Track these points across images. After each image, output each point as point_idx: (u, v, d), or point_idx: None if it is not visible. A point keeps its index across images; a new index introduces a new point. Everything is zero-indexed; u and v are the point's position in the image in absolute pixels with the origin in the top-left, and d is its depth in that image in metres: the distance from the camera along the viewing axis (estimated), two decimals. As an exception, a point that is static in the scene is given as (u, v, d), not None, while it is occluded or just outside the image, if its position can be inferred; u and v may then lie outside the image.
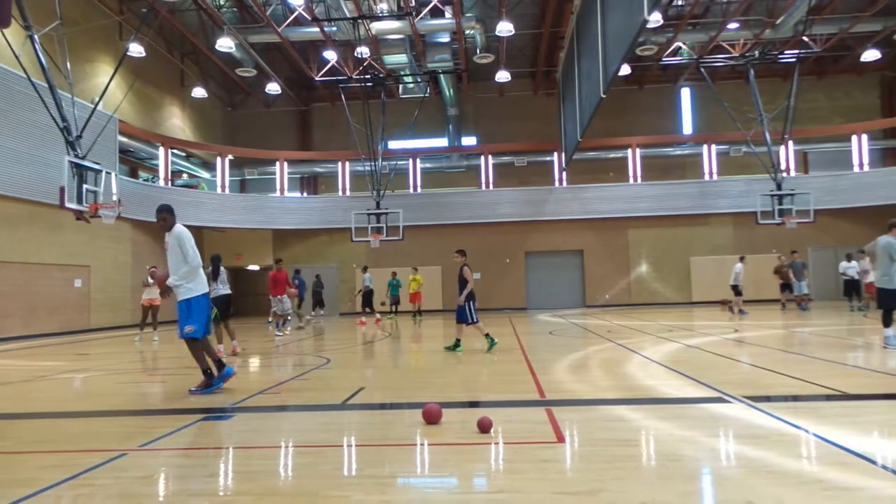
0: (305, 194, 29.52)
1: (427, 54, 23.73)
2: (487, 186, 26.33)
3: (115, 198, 14.84)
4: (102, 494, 3.25)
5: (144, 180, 23.77)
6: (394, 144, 27.01)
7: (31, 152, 15.89)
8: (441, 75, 24.74)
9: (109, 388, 7.37)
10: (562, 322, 17.03)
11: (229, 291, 10.63)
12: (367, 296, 19.48)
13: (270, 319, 17.91)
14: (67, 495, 3.27)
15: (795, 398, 5.41)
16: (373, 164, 22.69)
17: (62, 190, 13.30)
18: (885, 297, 8.58)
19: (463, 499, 3.08)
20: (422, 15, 20.74)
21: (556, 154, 26.12)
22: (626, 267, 25.77)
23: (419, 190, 26.46)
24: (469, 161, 27.56)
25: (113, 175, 15.19)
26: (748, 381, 6.30)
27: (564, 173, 26.01)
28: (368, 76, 22.73)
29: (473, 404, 5.61)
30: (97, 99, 15.36)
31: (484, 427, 4.28)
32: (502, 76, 24.75)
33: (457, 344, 10.00)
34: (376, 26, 20.99)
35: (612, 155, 26.62)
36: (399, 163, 25.17)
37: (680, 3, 21.91)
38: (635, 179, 25.70)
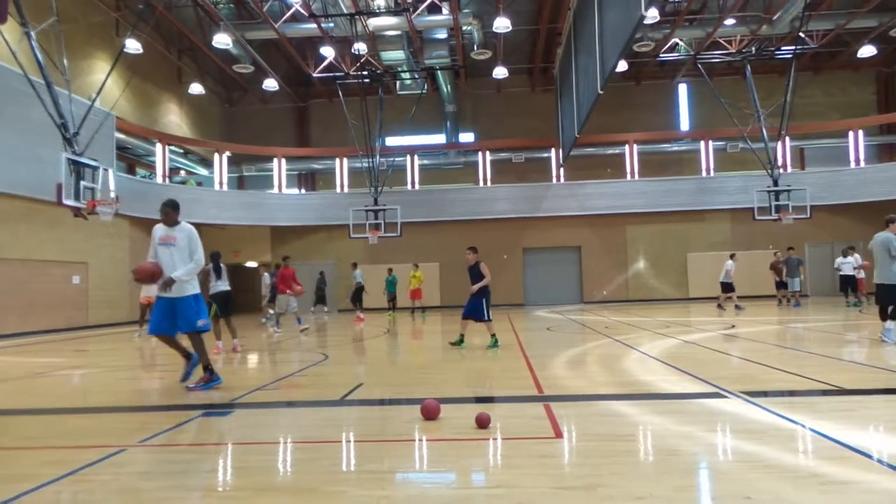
0: (303, 191, 29.49)
1: (424, 50, 23.70)
2: (485, 183, 26.32)
3: (112, 194, 14.83)
4: (102, 490, 3.26)
5: (142, 177, 23.72)
6: (391, 141, 26.98)
7: (29, 149, 15.81)
8: (438, 72, 24.71)
9: (108, 384, 7.37)
10: (559, 318, 17.05)
11: (229, 288, 10.66)
12: (358, 292, 19.43)
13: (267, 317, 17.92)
14: (67, 491, 3.27)
15: (792, 393, 5.43)
16: (370, 160, 22.67)
17: (60, 187, 13.27)
18: (884, 292, 8.60)
19: (461, 494, 3.09)
20: (419, 11, 20.70)
21: (553, 150, 26.13)
22: (624, 263, 25.81)
23: (417, 186, 26.44)
24: (467, 157, 27.56)
25: (110, 172, 15.18)
26: (745, 377, 6.32)
27: (562, 170, 26.01)
28: (366, 72, 22.70)
29: (472, 400, 5.63)
30: (94, 95, 15.32)
31: (482, 422, 4.29)
32: (500, 72, 24.71)
33: (461, 340, 9.98)
34: (373, 22, 20.95)
35: (610, 151, 26.61)
36: (397, 159, 25.14)
37: (677, -2, 21.93)
38: (633, 176, 25.72)
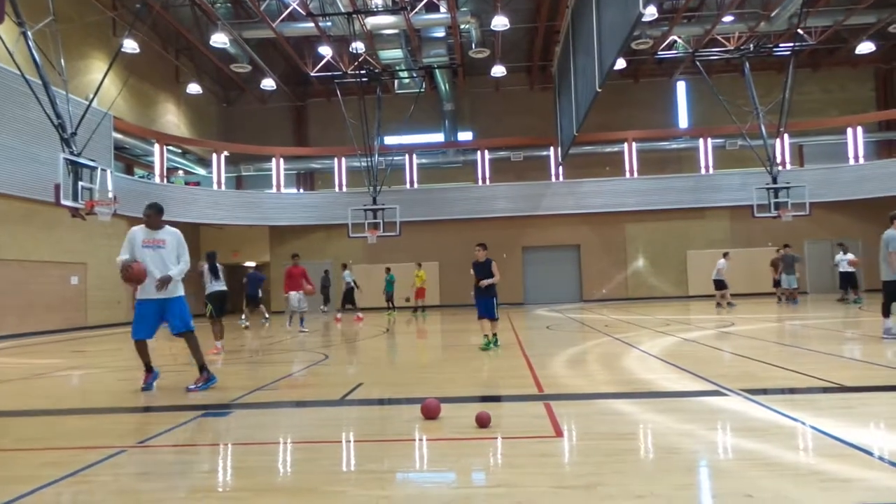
0: (302, 190, 29.46)
1: (422, 49, 23.67)
2: (484, 182, 26.32)
3: (110, 195, 14.80)
4: (102, 491, 3.25)
5: (140, 177, 23.68)
6: (390, 140, 26.95)
7: (26, 149, 15.79)
8: (436, 70, 24.69)
9: (107, 385, 7.36)
10: (559, 317, 17.05)
11: (225, 288, 10.73)
12: (349, 293, 19.39)
13: (266, 316, 17.89)
14: (67, 492, 3.26)
15: (792, 391, 5.43)
16: (369, 159, 22.64)
17: (57, 187, 13.24)
18: (888, 288, 8.63)
19: (461, 493, 3.09)
20: (416, 10, 20.68)
21: (552, 149, 26.11)
22: (623, 261, 25.81)
23: (416, 185, 26.43)
24: (465, 156, 27.54)
25: (108, 172, 15.14)
26: (745, 374, 6.32)
27: (561, 168, 26.00)
28: (364, 71, 22.67)
29: (472, 399, 5.62)
30: (92, 95, 15.28)
31: (482, 422, 4.28)
32: (498, 71, 24.70)
33: (495, 340, 9.49)
34: (371, 21, 20.92)
35: (609, 149, 26.59)
36: (395, 158, 25.12)
37: (675, -4, 21.91)
38: (631, 174, 25.71)
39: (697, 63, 22.42)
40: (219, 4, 20.73)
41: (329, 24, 20.76)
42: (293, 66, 25.92)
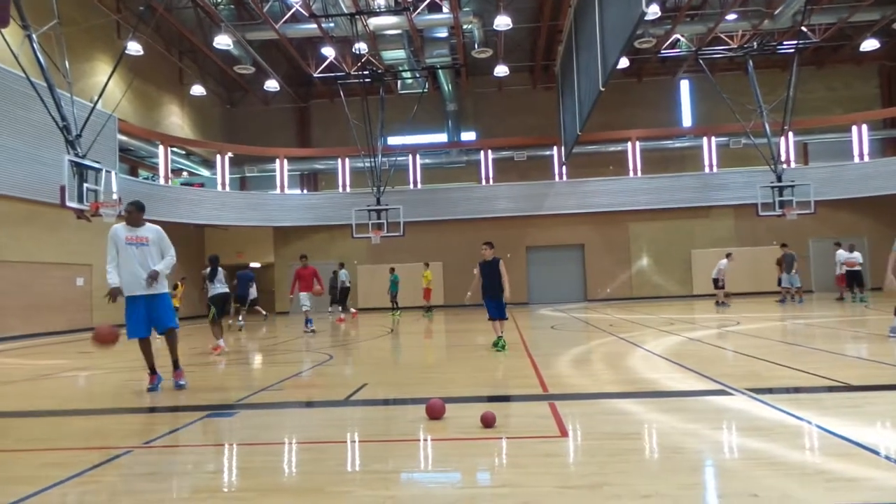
0: (305, 191, 29.51)
1: (425, 49, 23.68)
2: (487, 181, 26.31)
3: (115, 196, 14.85)
4: (107, 492, 3.26)
5: (144, 178, 23.75)
6: (393, 140, 26.98)
7: (31, 152, 15.86)
8: (439, 70, 24.71)
9: (113, 386, 7.38)
10: (563, 316, 17.03)
11: (227, 290, 11.01)
12: (343, 292, 19.37)
13: (265, 314, 17.91)
14: (72, 493, 3.27)
15: (798, 390, 5.41)
16: (372, 160, 22.66)
17: (63, 189, 13.30)
18: None
19: (466, 493, 3.08)
20: (419, 10, 20.68)
21: (555, 148, 26.10)
22: (627, 261, 25.77)
23: (419, 186, 26.44)
24: (469, 156, 27.55)
25: (113, 174, 15.19)
26: (750, 374, 6.29)
27: (564, 167, 25.98)
28: (367, 72, 22.69)
29: (476, 399, 5.61)
30: (96, 98, 15.33)
31: (487, 422, 4.28)
32: (501, 71, 24.69)
33: (504, 343, 9.18)
34: (374, 22, 20.94)
35: (612, 148, 26.57)
36: (399, 159, 25.14)
37: (678, -6, 21.85)
38: (635, 173, 25.67)
39: (701, 61, 22.39)
40: (222, 6, 20.77)
41: (332, 25, 20.78)
42: (296, 68, 25.95)
